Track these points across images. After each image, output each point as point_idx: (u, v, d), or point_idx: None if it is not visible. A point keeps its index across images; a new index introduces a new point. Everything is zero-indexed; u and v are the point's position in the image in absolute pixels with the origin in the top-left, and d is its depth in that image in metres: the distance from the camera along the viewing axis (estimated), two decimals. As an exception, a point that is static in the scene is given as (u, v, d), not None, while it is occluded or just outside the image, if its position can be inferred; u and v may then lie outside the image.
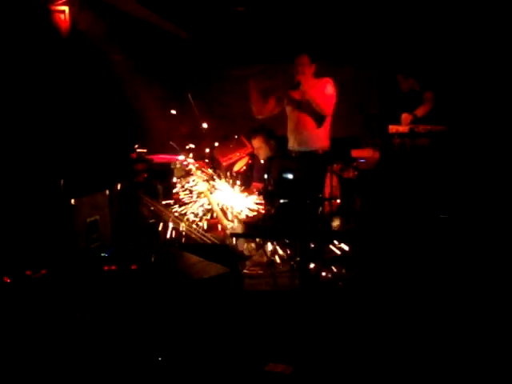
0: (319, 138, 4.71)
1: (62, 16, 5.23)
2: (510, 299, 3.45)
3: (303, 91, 4.57)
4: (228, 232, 4.74)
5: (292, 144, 4.82)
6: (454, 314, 3.33)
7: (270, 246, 4.45)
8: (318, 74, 4.69)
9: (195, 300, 2.91)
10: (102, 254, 3.70)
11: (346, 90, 4.84)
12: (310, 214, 4.35)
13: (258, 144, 5.49)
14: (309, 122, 4.68)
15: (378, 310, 3.46)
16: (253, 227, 4.35)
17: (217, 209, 4.85)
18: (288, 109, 4.81)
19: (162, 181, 5.36)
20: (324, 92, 4.57)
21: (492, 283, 3.71)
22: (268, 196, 4.75)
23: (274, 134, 5.47)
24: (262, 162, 5.42)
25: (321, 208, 4.53)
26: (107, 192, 4.69)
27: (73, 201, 4.28)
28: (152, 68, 6.08)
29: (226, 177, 5.11)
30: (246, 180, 5.48)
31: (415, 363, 2.84)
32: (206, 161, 5.34)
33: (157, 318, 2.77)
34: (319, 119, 4.63)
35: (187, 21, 6.01)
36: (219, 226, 4.92)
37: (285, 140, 4.96)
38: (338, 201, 4.90)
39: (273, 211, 4.51)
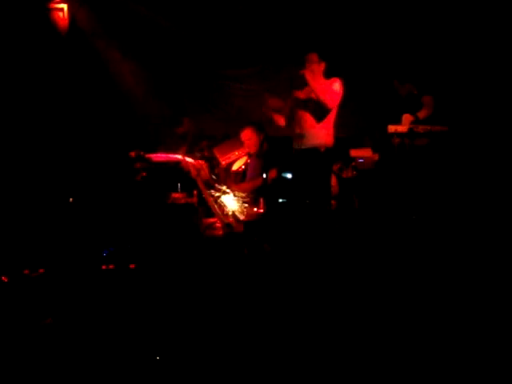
0: (321, 134, 4.67)
1: (61, 14, 5.23)
2: (504, 300, 3.44)
3: (308, 89, 4.57)
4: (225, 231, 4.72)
5: (294, 141, 4.79)
6: (449, 314, 3.33)
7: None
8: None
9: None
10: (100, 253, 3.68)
11: (346, 91, 4.82)
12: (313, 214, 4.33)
13: (247, 136, 5.40)
14: (310, 117, 4.66)
15: (373, 309, 3.45)
16: (252, 227, 4.33)
17: (213, 204, 4.81)
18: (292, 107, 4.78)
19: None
20: (331, 87, 4.56)
21: (487, 283, 3.71)
22: (267, 195, 4.72)
23: (264, 127, 5.43)
24: (252, 156, 5.38)
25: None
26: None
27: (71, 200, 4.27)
28: (150, 66, 6.07)
29: (224, 176, 5.07)
30: (243, 179, 5.44)
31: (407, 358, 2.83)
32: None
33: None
34: (320, 114, 4.61)
35: (184, 19, 6.02)
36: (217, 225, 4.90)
37: (281, 140, 4.94)
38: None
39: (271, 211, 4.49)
